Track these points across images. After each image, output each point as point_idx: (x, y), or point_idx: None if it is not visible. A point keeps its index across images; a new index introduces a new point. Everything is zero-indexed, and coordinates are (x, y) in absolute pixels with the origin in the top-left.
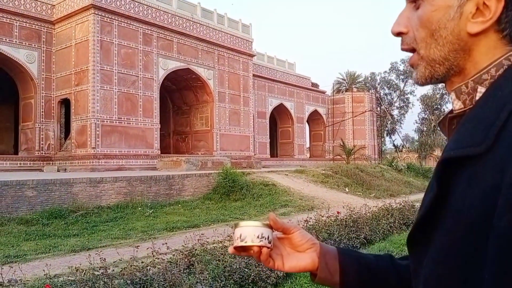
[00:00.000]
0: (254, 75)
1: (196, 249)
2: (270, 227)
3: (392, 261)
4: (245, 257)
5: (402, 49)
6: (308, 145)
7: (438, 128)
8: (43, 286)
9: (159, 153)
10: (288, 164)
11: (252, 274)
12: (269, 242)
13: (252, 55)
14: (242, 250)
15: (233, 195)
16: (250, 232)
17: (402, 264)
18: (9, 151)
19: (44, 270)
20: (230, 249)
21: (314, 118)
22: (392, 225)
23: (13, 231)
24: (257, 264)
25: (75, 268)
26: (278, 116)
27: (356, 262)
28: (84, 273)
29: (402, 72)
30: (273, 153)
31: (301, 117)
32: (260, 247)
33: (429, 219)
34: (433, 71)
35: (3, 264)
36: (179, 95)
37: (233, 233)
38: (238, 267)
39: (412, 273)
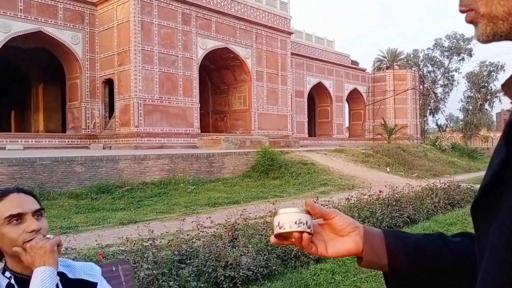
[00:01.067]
0: (292, 53)
1: (238, 224)
2: (308, 212)
3: (443, 238)
4: None
5: (461, 11)
6: (347, 125)
7: (502, 93)
8: (96, 254)
9: (199, 131)
10: (326, 144)
11: (295, 249)
12: (309, 228)
13: (290, 33)
14: (283, 238)
15: (271, 173)
16: (287, 218)
17: (454, 241)
18: (57, 129)
19: (96, 240)
20: (272, 239)
21: (353, 96)
22: (436, 204)
23: (64, 204)
24: None
25: (126, 238)
26: (317, 95)
27: (403, 243)
28: (134, 244)
29: (446, 49)
30: (311, 133)
31: (340, 95)
32: (301, 232)
33: (497, 183)
34: (495, 28)
35: (56, 235)
36: (218, 75)
37: (272, 221)
38: None
39: (477, 244)
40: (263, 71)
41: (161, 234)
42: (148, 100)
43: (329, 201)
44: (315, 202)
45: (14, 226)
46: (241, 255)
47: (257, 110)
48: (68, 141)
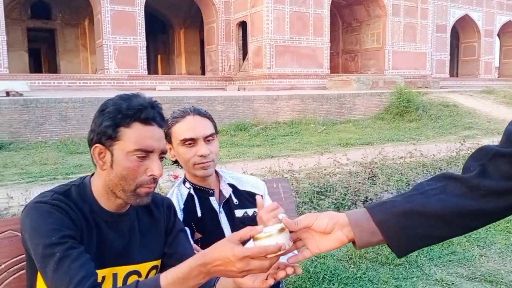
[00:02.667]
0: None
1: (376, 162)
2: (283, 229)
3: (423, 194)
4: (430, 173)
5: None
6: (497, 64)
7: None
8: None
9: (329, 72)
10: (471, 85)
11: None
12: (288, 245)
13: None
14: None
15: (407, 115)
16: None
17: (433, 194)
18: (197, 72)
19: (242, 168)
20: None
21: (507, 30)
22: None
23: None
24: None
25: (268, 169)
26: (461, 30)
27: (390, 214)
28: (276, 174)
29: None
30: (452, 73)
31: (490, 29)
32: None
33: None
34: None
35: None
36: (349, 11)
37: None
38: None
39: None
40: (399, 4)
41: (300, 167)
42: (279, 41)
43: (478, 143)
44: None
45: (187, 148)
46: (381, 191)
47: (392, 48)
48: (207, 83)
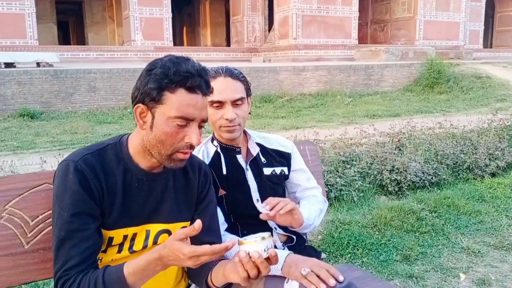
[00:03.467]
0: None
1: (404, 133)
2: (264, 238)
3: None
4: (460, 144)
5: None
6: None
7: None
8: None
9: (357, 43)
10: (506, 57)
11: (468, 161)
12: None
13: None
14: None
15: (437, 87)
16: (256, 249)
17: None
18: (222, 44)
19: None
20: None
21: None
22: None
23: None
24: (474, 151)
25: (292, 138)
26: None
27: None
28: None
29: None
30: (486, 44)
31: None
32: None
33: None
34: None
35: None
36: None
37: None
38: (451, 152)
39: None
40: None
41: (325, 137)
42: (306, 11)
43: (511, 115)
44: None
45: (214, 110)
46: (409, 161)
47: (423, 17)
48: (232, 55)
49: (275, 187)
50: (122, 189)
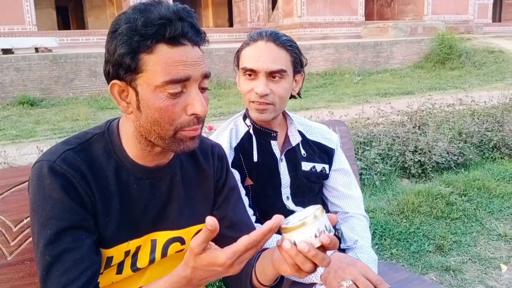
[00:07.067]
0: None
1: (423, 111)
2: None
3: None
4: (486, 121)
5: None
6: None
7: None
8: None
9: (363, 20)
10: None
11: (495, 139)
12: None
13: None
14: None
15: (449, 63)
16: (303, 236)
17: None
18: (225, 24)
19: None
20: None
21: None
22: None
23: (239, 93)
24: (500, 129)
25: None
26: None
27: None
28: None
29: None
30: (495, 18)
31: None
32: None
33: None
34: None
35: None
36: None
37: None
38: (477, 130)
39: None
40: None
41: (340, 117)
42: None
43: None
44: None
45: (246, 80)
46: (433, 140)
47: None
48: (236, 35)
49: (312, 185)
50: (117, 192)
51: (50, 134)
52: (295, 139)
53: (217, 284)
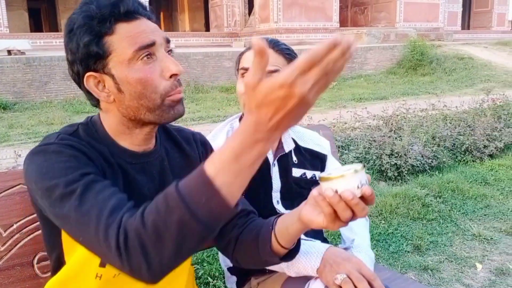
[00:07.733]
0: None
1: (398, 115)
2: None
3: None
4: (457, 126)
5: None
6: (510, 17)
7: None
8: None
9: (338, 26)
10: (483, 38)
11: (467, 143)
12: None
13: None
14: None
15: (420, 69)
16: (348, 185)
17: None
18: (201, 29)
19: None
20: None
21: None
22: None
23: (217, 97)
24: (471, 133)
25: None
26: None
27: None
28: None
29: None
30: (464, 26)
31: None
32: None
33: None
34: None
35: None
36: None
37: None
38: (449, 134)
39: None
40: None
41: (318, 122)
42: None
43: (503, 94)
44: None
45: (241, 79)
46: (409, 144)
47: None
48: (212, 40)
49: (302, 191)
50: (119, 172)
51: (25, 139)
52: (289, 146)
53: (222, 280)
